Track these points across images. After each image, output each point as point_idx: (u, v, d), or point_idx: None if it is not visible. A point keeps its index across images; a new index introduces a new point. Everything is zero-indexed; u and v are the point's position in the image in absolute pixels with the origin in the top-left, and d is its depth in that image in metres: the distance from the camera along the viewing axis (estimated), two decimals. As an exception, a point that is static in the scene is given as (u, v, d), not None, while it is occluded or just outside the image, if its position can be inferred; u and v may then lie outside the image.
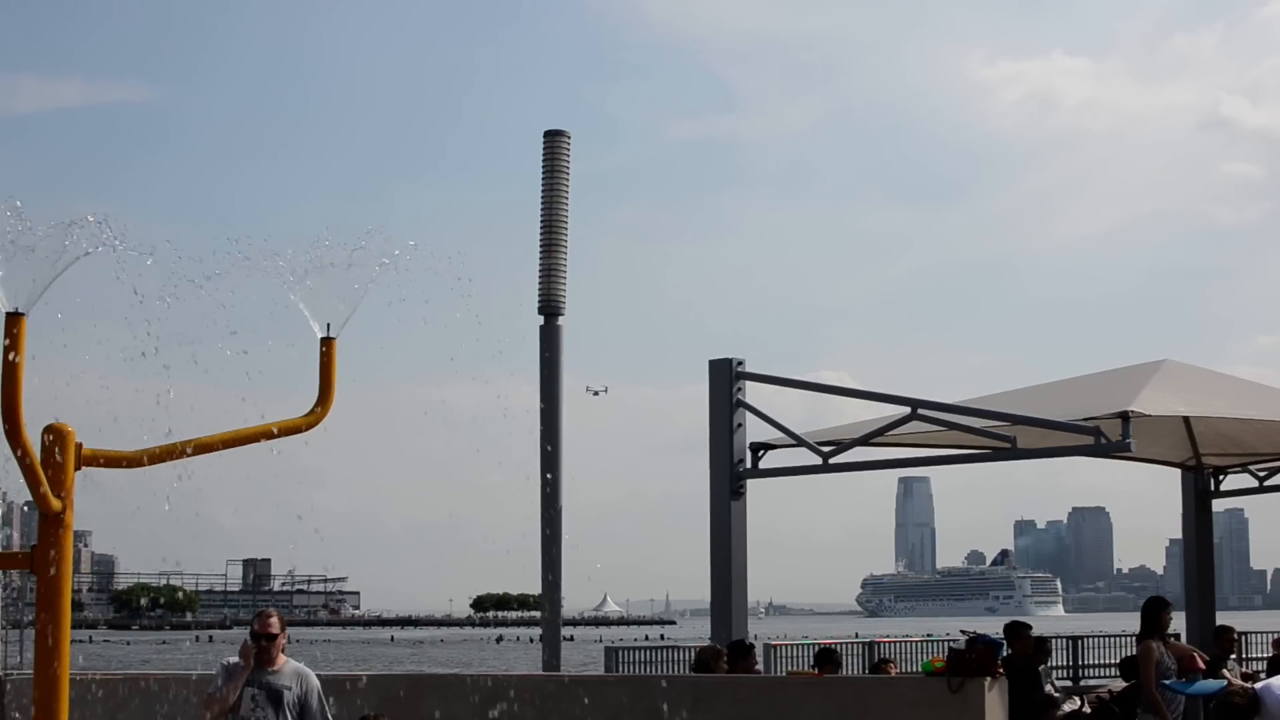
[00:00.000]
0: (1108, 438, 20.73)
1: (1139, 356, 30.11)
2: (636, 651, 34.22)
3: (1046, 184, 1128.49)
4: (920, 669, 17.44)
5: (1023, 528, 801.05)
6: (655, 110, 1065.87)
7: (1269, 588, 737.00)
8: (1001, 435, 22.12)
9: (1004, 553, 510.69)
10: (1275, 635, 28.68)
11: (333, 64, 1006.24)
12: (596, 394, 35.44)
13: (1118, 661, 31.49)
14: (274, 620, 13.03)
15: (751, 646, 20.69)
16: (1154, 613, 18.86)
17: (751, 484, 24.06)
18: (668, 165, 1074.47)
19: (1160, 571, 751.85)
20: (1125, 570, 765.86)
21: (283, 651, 13.05)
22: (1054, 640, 35.75)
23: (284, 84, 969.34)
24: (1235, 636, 24.44)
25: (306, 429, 11.02)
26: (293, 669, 12.91)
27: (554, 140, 22.73)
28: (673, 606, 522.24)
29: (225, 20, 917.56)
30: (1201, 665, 19.31)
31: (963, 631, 17.52)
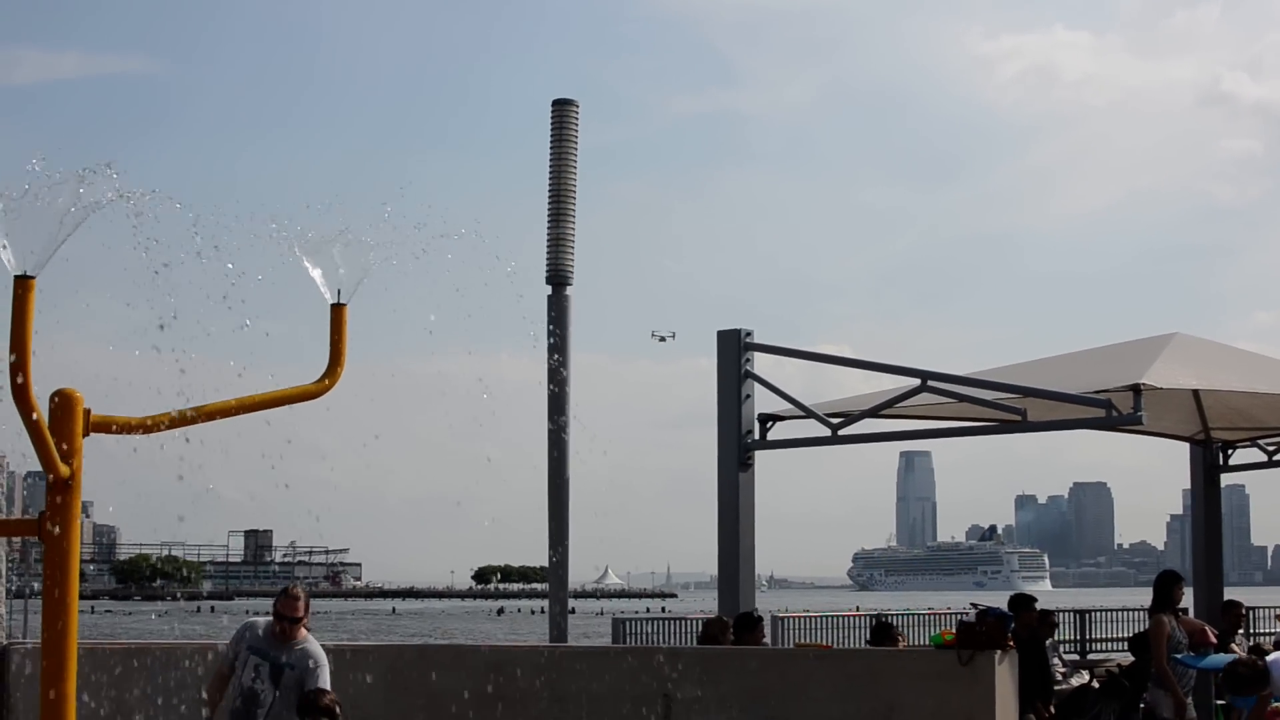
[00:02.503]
0: (1119, 410, 20.60)
1: (1138, 333, 30.57)
2: (642, 623, 34.26)
3: (1047, 159, 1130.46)
4: (930, 641, 17.41)
5: (1024, 502, 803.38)
6: (657, 85, 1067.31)
7: (1269, 564, 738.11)
8: (1012, 408, 21.99)
9: (992, 528, 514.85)
10: (1278, 610, 28.65)
11: (335, 37, 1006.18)
12: (663, 340, 35.31)
13: (1127, 636, 31.47)
14: (300, 603, 12.94)
15: (759, 619, 20.66)
16: (1166, 587, 18.81)
17: (754, 457, 23.96)
18: (669, 140, 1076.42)
19: (1161, 547, 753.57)
20: (1126, 546, 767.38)
21: (305, 628, 13.00)
22: (1060, 614, 35.81)
23: (286, 57, 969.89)
24: (1243, 611, 24.40)
25: (318, 396, 10.95)
26: (303, 649, 12.84)
27: (562, 109, 22.56)
28: (674, 579, 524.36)
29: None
30: (1213, 639, 19.28)
31: (972, 605, 17.48)
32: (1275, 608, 37.35)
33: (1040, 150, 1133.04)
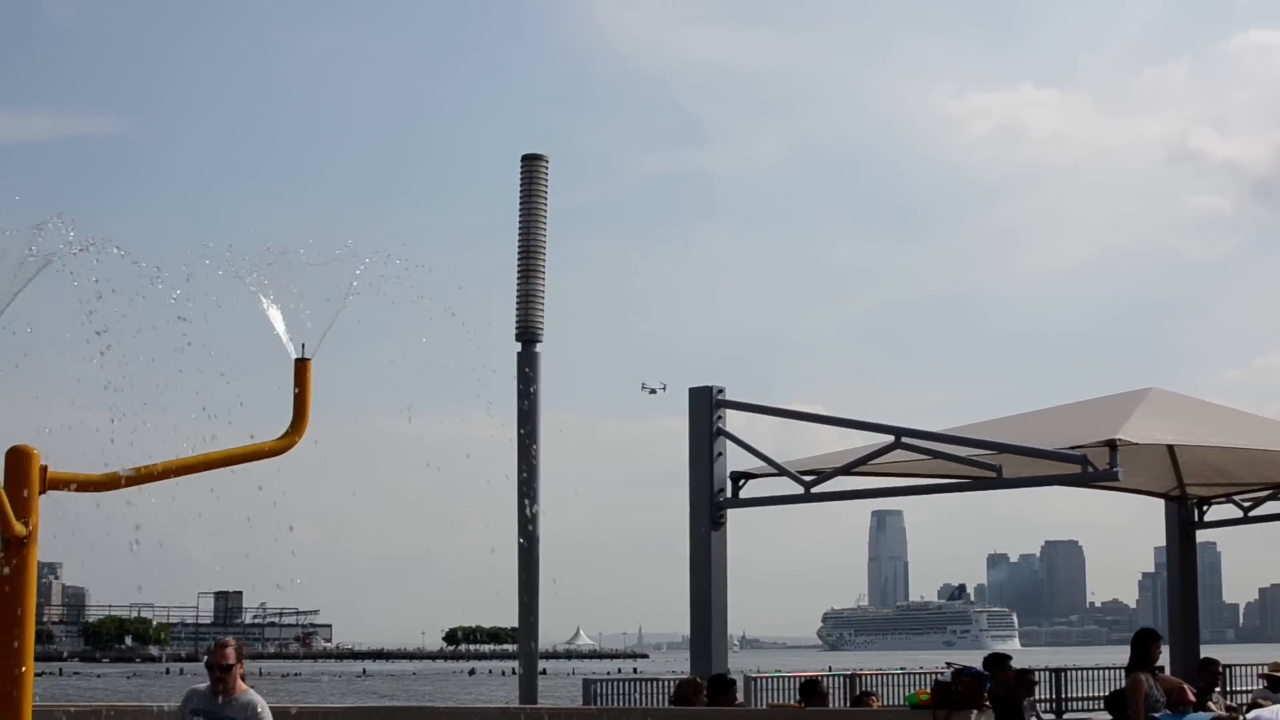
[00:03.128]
0: (1094, 466, 20.47)
1: (1107, 391, 30.48)
2: (614, 684, 33.91)
3: (1015, 217, 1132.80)
4: (905, 701, 17.20)
5: (996, 561, 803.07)
6: (625, 143, 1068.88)
7: (1241, 621, 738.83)
8: (987, 464, 21.81)
9: (960, 587, 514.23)
10: (1261, 668, 28.39)
11: (303, 95, 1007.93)
12: (654, 391, 35.10)
13: (1102, 694, 31.27)
14: (229, 650, 12.77)
15: (733, 681, 20.39)
16: (1144, 645, 18.61)
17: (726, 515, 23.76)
18: (637, 198, 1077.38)
19: (1133, 605, 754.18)
20: (1098, 604, 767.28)
21: (242, 680, 12.78)
22: (1035, 673, 35.58)
23: (255, 115, 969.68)
24: (1220, 669, 24.19)
25: (281, 452, 10.77)
26: (244, 701, 12.63)
27: (532, 164, 22.43)
28: (645, 639, 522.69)
29: (194, 51, 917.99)
30: (1192, 698, 19.06)
31: (948, 664, 17.26)
32: (1256, 665, 37.28)
33: (1008, 208, 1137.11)
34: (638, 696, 32.62)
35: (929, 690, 16.14)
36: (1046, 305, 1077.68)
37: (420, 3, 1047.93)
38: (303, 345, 10.40)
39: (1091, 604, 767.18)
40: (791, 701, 21.79)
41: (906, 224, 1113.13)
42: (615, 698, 32.47)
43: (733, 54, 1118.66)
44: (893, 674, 40.10)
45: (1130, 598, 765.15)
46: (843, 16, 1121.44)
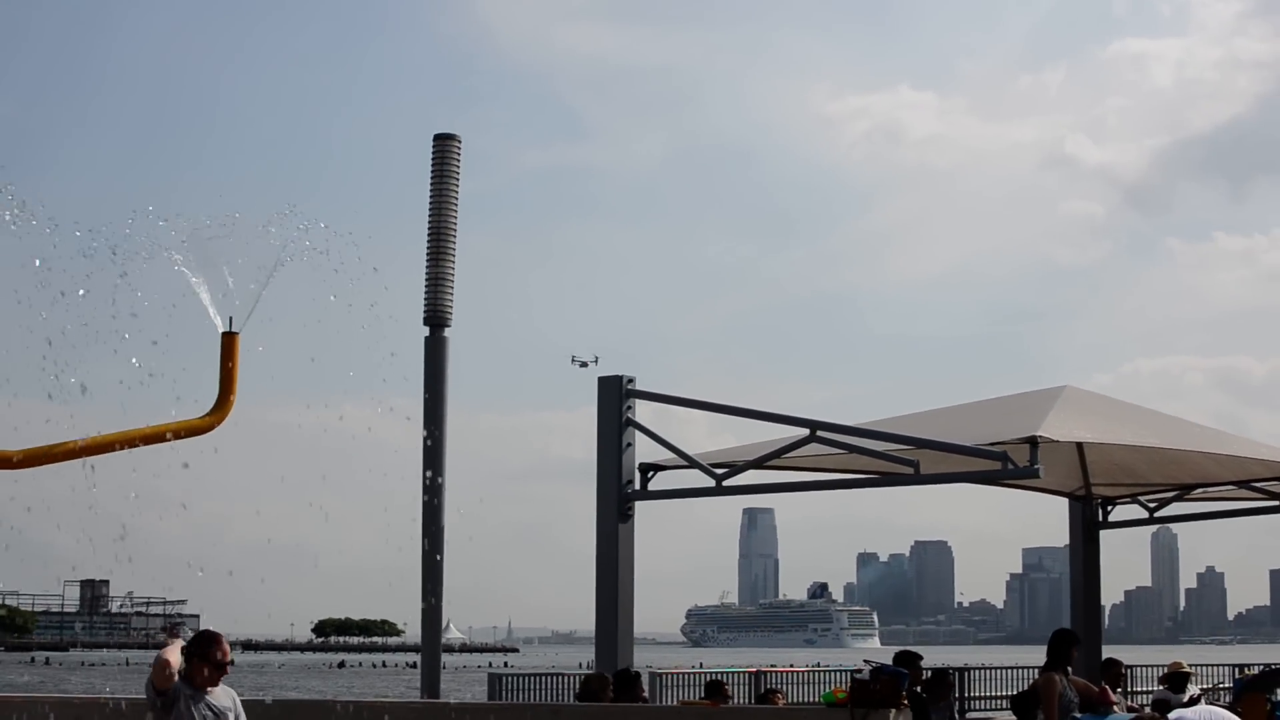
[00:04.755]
0: (1015, 463, 20.19)
1: (979, 395, 30.32)
2: (519, 679, 33.41)
3: (889, 219, 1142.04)
4: (821, 699, 16.93)
5: (865, 560, 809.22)
6: (506, 138, 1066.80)
7: (1107, 623, 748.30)
8: (904, 459, 21.48)
9: (822, 586, 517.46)
10: (1160, 669, 28.36)
11: (204, 88, 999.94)
12: (584, 365, 34.65)
13: (1006, 695, 31.13)
14: (228, 646, 12.37)
15: (638, 675, 20.08)
16: (1063, 646, 18.35)
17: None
18: (517, 193, 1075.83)
19: (1000, 606, 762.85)
20: (966, 604, 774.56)
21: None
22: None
23: (152, 109, 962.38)
24: (1123, 670, 24.05)
25: (206, 431, 10.27)
26: (224, 690, 12.22)
27: (444, 144, 21.82)
28: (515, 634, 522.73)
29: (98, 42, 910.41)
30: (1114, 699, 18.81)
31: (866, 661, 16.98)
32: (1144, 666, 37.40)
33: (883, 210, 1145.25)
34: (544, 692, 32.17)
35: (846, 688, 15.90)
36: (920, 308, 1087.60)
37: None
38: (230, 319, 9.89)
39: (960, 604, 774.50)
40: (698, 698, 21.46)
41: (781, 224, 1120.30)
42: (521, 693, 32.04)
43: (615, 50, 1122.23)
44: (799, 672, 39.85)
45: (998, 598, 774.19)
46: (725, 15, 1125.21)
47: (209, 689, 12.07)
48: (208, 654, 12.10)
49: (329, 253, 10.46)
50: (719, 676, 24.82)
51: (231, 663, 12.03)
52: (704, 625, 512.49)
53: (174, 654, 11.83)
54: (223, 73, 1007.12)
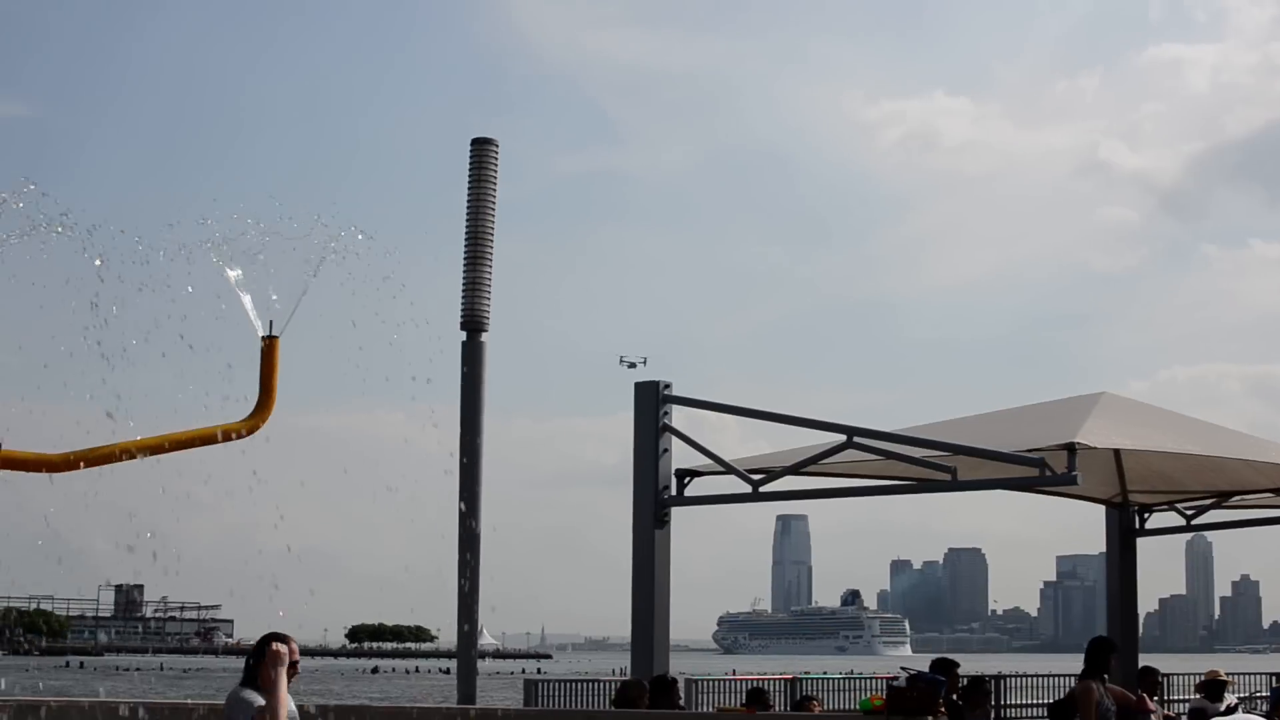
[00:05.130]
0: (1052, 470, 20.09)
1: (1014, 401, 30.50)
2: (556, 685, 33.40)
3: (924, 225, 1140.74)
4: (859, 706, 16.87)
5: (899, 567, 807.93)
6: (540, 143, 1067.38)
7: (1141, 631, 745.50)
8: (941, 465, 21.40)
9: (854, 593, 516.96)
10: (1196, 677, 28.27)
11: (232, 91, 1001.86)
12: (632, 365, 34.58)
13: (1043, 702, 31.05)
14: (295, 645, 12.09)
15: (674, 681, 20.01)
16: (1101, 654, 18.31)
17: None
18: (551, 198, 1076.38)
19: (1034, 613, 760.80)
20: (1000, 612, 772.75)
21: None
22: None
23: (181, 110, 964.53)
24: (1159, 678, 23.97)
25: (249, 434, 10.28)
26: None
27: (482, 149, 21.80)
28: (548, 640, 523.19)
29: (123, 43, 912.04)
30: (1152, 707, 18.77)
31: (903, 669, 16.96)
32: (1183, 675, 37.26)
33: (918, 216, 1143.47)
34: (580, 698, 32.13)
35: (882, 695, 15.85)
36: (955, 314, 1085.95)
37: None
38: (270, 323, 9.89)
39: (993, 611, 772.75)
40: (739, 705, 21.45)
41: (816, 229, 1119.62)
42: (557, 699, 32.00)
43: (647, 55, 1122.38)
44: (834, 679, 39.76)
45: (1032, 606, 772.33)
46: (757, 20, 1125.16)
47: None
48: (276, 653, 11.89)
49: (363, 256, 10.44)
50: (760, 684, 24.79)
51: (296, 662, 11.76)
52: (736, 632, 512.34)
53: (282, 703, 11.53)
54: (252, 75, 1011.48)
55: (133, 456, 9.02)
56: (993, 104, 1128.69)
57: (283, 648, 11.30)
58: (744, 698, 21.39)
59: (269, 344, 9.86)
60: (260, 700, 11.14)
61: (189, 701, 16.50)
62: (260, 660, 11.29)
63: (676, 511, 23.47)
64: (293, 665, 11.67)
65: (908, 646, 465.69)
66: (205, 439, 9.67)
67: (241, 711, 11.22)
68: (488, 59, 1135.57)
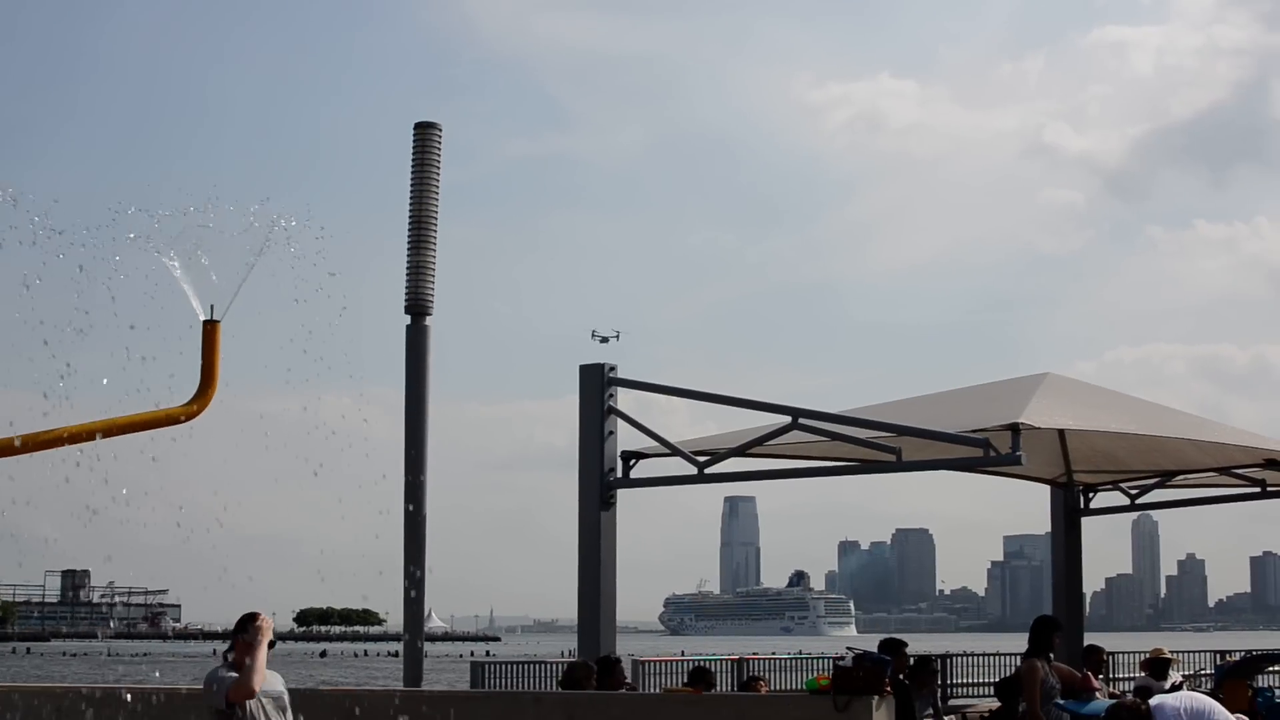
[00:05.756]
0: (997, 450, 20.16)
1: (961, 384, 30.51)
2: (502, 666, 33.40)
3: (872, 207, 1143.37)
4: (804, 686, 16.93)
5: (847, 548, 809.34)
6: (490, 128, 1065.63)
7: (1088, 609, 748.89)
8: (886, 446, 21.45)
9: (800, 574, 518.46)
10: (1141, 655, 28.40)
11: (180, 80, 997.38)
12: (605, 340, 34.53)
13: (994, 681, 31.11)
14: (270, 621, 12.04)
15: (618, 661, 20.01)
16: (1045, 632, 18.33)
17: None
18: (501, 183, 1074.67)
19: (982, 593, 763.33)
20: (947, 592, 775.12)
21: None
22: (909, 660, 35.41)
23: (135, 100, 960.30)
24: (1104, 657, 24.06)
25: (190, 418, 10.22)
26: (273, 675, 11.96)
27: (425, 133, 21.74)
28: (497, 622, 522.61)
29: (83, 36, 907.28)
30: (1096, 685, 18.83)
31: (849, 649, 16.96)
32: (1127, 653, 37.39)
33: (866, 198, 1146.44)
34: (527, 680, 32.11)
35: (828, 675, 15.87)
36: (902, 296, 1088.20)
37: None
38: (211, 307, 9.85)
39: (941, 592, 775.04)
40: (681, 685, 21.42)
41: (764, 212, 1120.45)
42: (504, 681, 31.99)
43: (597, 40, 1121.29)
44: (782, 659, 39.76)
45: (979, 586, 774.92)
46: (706, 4, 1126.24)
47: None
48: (254, 628, 11.85)
49: (309, 243, 10.40)
50: (703, 664, 24.80)
51: (274, 643, 11.71)
52: (682, 614, 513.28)
53: (259, 670, 11.51)
54: (210, 66, 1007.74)
55: (76, 440, 8.97)
56: (939, 86, 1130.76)
57: (264, 622, 11.39)
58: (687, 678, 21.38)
59: (210, 328, 9.80)
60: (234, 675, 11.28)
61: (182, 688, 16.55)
62: (237, 636, 11.38)
63: (625, 494, 23.48)
64: (270, 644, 11.68)
65: (853, 627, 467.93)
66: (148, 423, 9.62)
67: (216, 683, 11.31)
68: (438, 45, 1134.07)
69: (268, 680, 11.68)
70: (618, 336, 35.69)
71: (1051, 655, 18.41)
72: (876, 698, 15.21)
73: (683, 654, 57.51)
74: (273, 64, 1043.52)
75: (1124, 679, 34.42)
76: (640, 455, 23.61)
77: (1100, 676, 21.74)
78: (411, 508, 21.03)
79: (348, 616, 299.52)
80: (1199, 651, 42.44)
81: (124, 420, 9.51)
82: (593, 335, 35.93)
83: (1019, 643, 19.87)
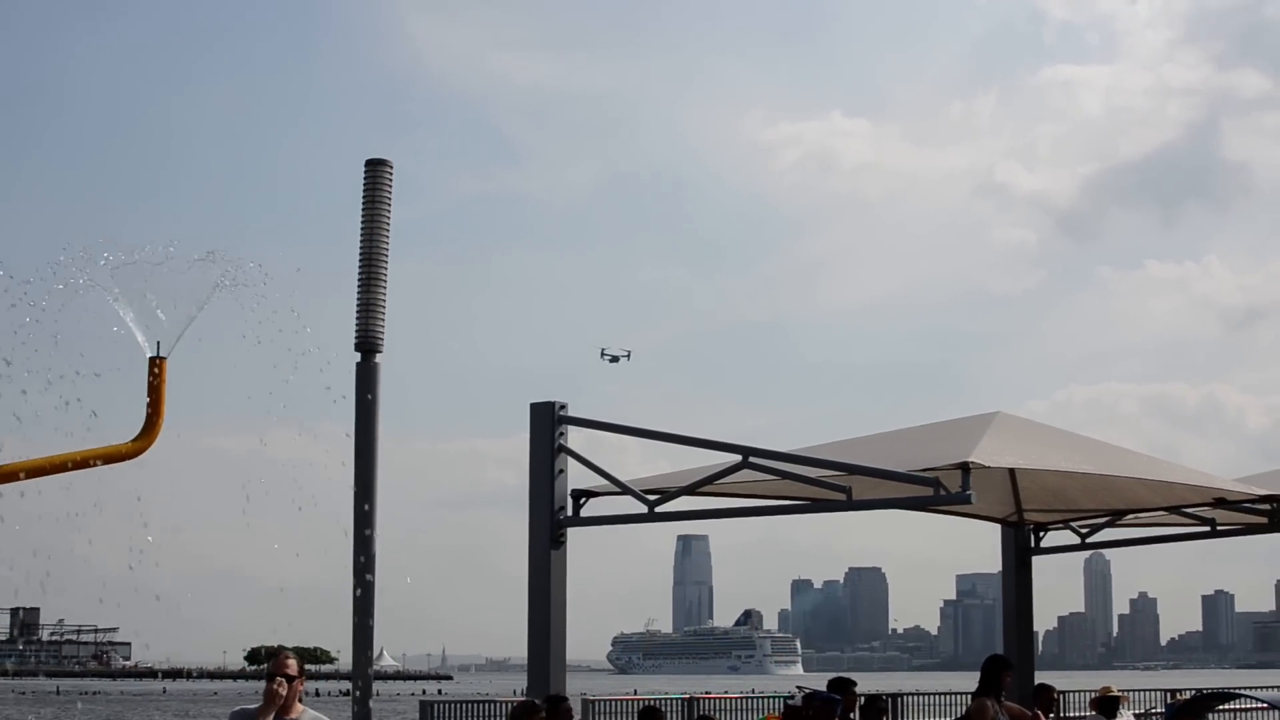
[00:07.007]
0: (947, 489, 20.16)
1: (911, 422, 30.58)
2: (451, 705, 33.33)
3: (822, 246, 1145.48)
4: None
5: (800, 587, 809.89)
6: (441, 165, 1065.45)
7: (1040, 648, 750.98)
8: (836, 485, 21.45)
9: (748, 613, 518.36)
10: (1092, 694, 28.46)
11: (142, 118, 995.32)
12: (615, 359, 34.28)
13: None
14: (292, 661, 11.93)
15: (564, 698, 19.95)
16: (995, 671, 18.38)
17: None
18: (453, 220, 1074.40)
19: (935, 632, 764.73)
20: (900, 630, 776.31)
21: (300, 700, 11.97)
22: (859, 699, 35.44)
23: (92, 139, 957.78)
24: (1055, 695, 24.12)
25: (134, 456, 10.16)
26: (312, 715, 11.84)
27: (375, 169, 21.66)
28: (449, 661, 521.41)
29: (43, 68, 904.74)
30: (1045, 725, 18.87)
31: (799, 687, 16.99)
32: (1088, 691, 37.46)
33: (816, 237, 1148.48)
34: (477, 719, 32.05)
35: (779, 714, 15.90)
36: (853, 335, 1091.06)
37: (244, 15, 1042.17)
38: (158, 344, 9.79)
39: (894, 630, 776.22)
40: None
41: (713, 251, 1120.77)
42: (454, 719, 31.95)
43: (549, 78, 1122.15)
44: (733, 698, 39.79)
45: (932, 624, 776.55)
46: (657, 42, 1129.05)
47: (287, 715, 11.74)
48: (269, 671, 11.82)
49: (258, 282, 10.38)
50: (654, 703, 24.77)
51: (290, 677, 11.64)
52: (630, 652, 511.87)
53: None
54: (165, 104, 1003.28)
55: (25, 476, 8.91)
56: (890, 125, 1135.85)
57: (290, 663, 11.39)
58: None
59: (156, 365, 9.76)
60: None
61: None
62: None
63: (576, 532, 23.40)
64: (287, 679, 11.56)
65: (799, 666, 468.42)
66: (94, 459, 9.56)
67: None
68: (389, 82, 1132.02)
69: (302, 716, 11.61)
70: (628, 356, 35.56)
71: (1002, 694, 18.44)
72: (827, 736, 15.19)
73: (635, 693, 57.34)
74: (226, 102, 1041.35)
75: (1074, 718, 34.54)
76: (591, 494, 23.53)
77: (1051, 715, 21.84)
78: (361, 546, 20.90)
79: (299, 654, 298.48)
80: (1150, 690, 42.61)
81: (71, 456, 9.46)
82: (602, 354, 35.90)
83: (971, 681, 19.88)
